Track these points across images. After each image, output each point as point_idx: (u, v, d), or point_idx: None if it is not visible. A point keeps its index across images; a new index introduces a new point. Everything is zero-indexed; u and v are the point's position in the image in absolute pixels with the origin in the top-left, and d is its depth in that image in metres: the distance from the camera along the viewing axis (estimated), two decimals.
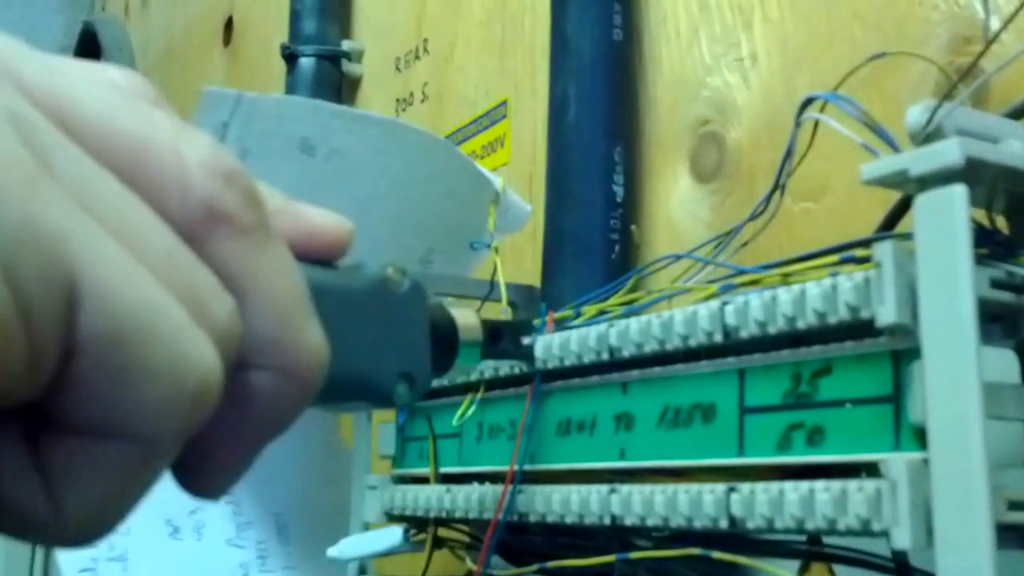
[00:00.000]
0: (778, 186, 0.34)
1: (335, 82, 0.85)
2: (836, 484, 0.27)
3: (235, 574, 0.55)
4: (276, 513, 0.57)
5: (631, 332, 0.34)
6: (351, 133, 0.41)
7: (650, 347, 0.34)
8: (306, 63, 0.86)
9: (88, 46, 1.51)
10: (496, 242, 0.46)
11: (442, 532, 0.46)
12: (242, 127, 0.38)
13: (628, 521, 0.34)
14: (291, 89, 0.85)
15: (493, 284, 0.47)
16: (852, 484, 0.26)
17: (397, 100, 0.81)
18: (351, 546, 0.49)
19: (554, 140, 0.53)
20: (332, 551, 0.49)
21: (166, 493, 0.62)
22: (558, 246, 0.51)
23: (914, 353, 0.25)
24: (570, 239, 0.51)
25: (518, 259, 0.61)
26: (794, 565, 0.32)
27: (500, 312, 0.46)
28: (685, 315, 0.32)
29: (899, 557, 0.28)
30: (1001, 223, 0.29)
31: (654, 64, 0.55)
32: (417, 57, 0.79)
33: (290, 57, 0.86)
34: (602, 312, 0.38)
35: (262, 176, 0.41)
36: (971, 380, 0.24)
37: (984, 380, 0.24)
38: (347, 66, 0.87)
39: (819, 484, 0.27)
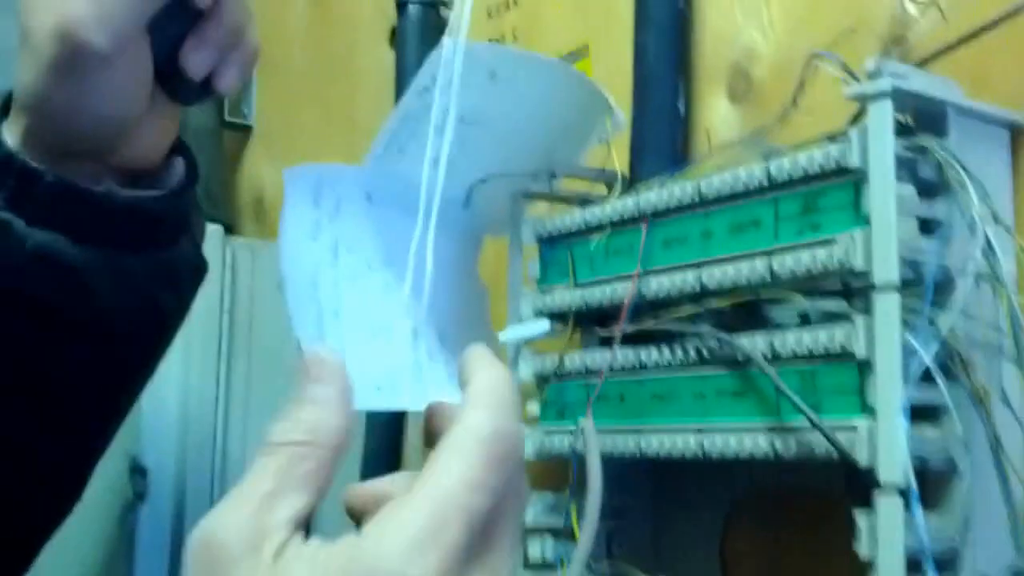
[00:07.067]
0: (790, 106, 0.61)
1: (439, 26, 1.11)
2: None
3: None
4: (439, 328, 0.84)
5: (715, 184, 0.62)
6: (525, 68, 0.68)
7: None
8: (413, 10, 1.11)
9: None
10: (609, 138, 0.73)
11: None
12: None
13: None
14: (403, 32, 1.11)
15: (605, 171, 0.74)
16: None
17: (489, 39, 1.07)
18: (513, 332, 0.76)
19: (637, 75, 0.80)
20: (501, 336, 0.76)
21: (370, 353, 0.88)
22: (640, 146, 0.79)
23: None
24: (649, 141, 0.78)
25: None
26: None
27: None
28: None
29: None
30: None
31: (701, 23, 0.82)
32: (507, 7, 1.05)
33: (401, 5, 1.12)
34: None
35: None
36: None
37: None
38: (445, 12, 1.13)
39: None
